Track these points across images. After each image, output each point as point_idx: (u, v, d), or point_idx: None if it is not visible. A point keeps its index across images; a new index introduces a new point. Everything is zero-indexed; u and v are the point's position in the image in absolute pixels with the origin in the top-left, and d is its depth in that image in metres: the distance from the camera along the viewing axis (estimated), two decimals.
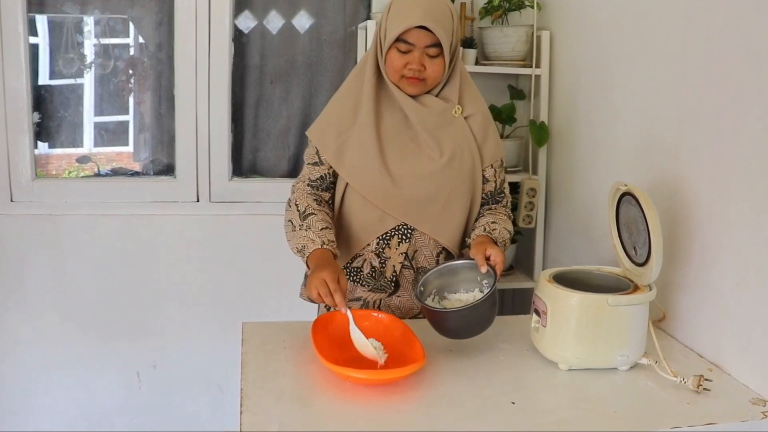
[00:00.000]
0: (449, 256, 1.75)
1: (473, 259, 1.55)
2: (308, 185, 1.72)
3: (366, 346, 1.42)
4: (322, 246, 1.58)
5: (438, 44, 1.59)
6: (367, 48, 2.44)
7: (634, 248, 1.54)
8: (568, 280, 1.52)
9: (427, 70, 1.62)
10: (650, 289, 1.47)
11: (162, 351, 2.57)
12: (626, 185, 1.51)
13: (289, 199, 1.73)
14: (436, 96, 1.69)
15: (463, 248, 1.75)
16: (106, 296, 2.51)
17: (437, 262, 1.73)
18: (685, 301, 1.63)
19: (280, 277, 2.49)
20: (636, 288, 1.49)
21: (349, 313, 1.45)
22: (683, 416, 1.29)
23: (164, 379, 2.58)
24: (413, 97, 1.67)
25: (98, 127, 2.61)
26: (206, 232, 2.54)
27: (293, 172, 2.68)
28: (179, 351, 2.58)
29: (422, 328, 1.51)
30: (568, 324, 1.44)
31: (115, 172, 2.62)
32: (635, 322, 1.45)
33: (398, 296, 1.73)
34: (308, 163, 1.73)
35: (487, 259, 1.53)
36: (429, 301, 1.55)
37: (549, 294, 1.47)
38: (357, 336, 1.44)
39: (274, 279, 2.55)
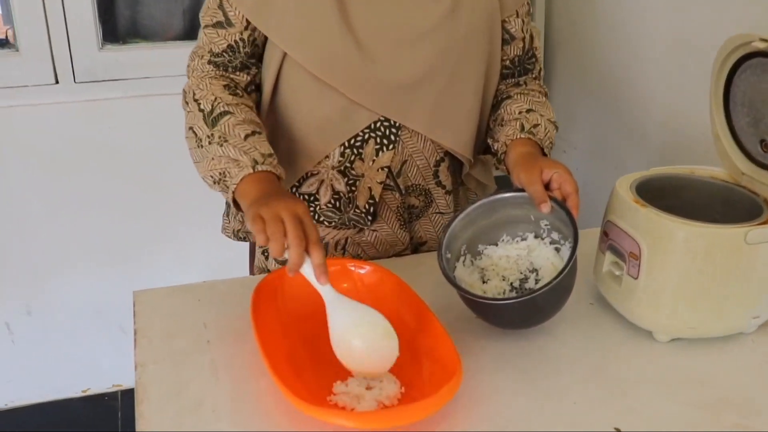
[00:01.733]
0: (456, 166, 1.14)
1: (521, 190, 0.95)
2: (210, 63, 1.04)
3: (370, 357, 0.82)
4: (254, 168, 0.93)
5: None
6: None
7: (763, 142, 0.96)
8: (651, 193, 0.95)
9: None
10: None
11: (36, 292, 1.90)
12: (766, 40, 0.90)
13: (184, 91, 1.05)
14: None
15: (479, 153, 1.14)
16: None
17: (435, 175, 1.11)
18: None
19: (187, 184, 1.82)
20: None
21: (329, 293, 0.84)
22: None
23: (44, 327, 1.93)
24: None
25: None
26: (74, 127, 1.80)
27: (191, 32, 1.92)
28: (60, 288, 1.92)
29: (420, 280, 0.93)
30: (681, 276, 0.88)
31: None
32: None
33: (374, 230, 1.13)
34: (207, 26, 1.04)
35: (547, 186, 0.93)
36: (460, 268, 0.95)
37: (646, 227, 0.90)
38: (356, 335, 0.83)
39: (178, 186, 1.87)
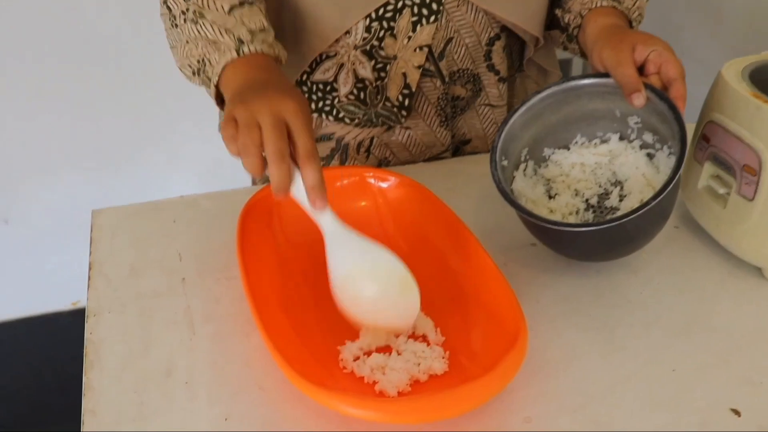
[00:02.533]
0: (514, 46, 0.89)
1: (602, 75, 0.70)
2: None
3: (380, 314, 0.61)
4: (239, 50, 0.69)
5: None
6: None
7: None
8: (759, 84, 0.71)
9: None
10: None
11: (12, 198, 1.69)
12: None
13: None
14: None
15: (551, 27, 0.88)
16: None
17: (487, 57, 0.86)
18: None
19: (177, 72, 1.57)
20: None
21: (328, 223, 0.62)
22: None
23: (25, 237, 1.74)
24: None
25: None
26: (41, 6, 1.53)
27: None
28: (38, 194, 1.71)
29: (462, 192, 0.73)
30: None
31: None
32: None
33: (407, 128, 0.89)
34: None
35: (641, 70, 0.68)
36: (520, 179, 0.73)
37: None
38: (365, 285, 0.61)
39: (168, 76, 1.60)
